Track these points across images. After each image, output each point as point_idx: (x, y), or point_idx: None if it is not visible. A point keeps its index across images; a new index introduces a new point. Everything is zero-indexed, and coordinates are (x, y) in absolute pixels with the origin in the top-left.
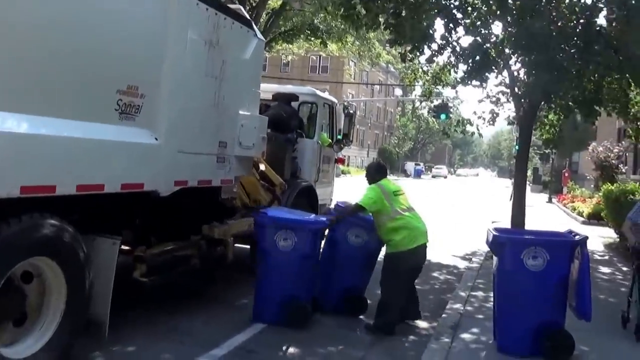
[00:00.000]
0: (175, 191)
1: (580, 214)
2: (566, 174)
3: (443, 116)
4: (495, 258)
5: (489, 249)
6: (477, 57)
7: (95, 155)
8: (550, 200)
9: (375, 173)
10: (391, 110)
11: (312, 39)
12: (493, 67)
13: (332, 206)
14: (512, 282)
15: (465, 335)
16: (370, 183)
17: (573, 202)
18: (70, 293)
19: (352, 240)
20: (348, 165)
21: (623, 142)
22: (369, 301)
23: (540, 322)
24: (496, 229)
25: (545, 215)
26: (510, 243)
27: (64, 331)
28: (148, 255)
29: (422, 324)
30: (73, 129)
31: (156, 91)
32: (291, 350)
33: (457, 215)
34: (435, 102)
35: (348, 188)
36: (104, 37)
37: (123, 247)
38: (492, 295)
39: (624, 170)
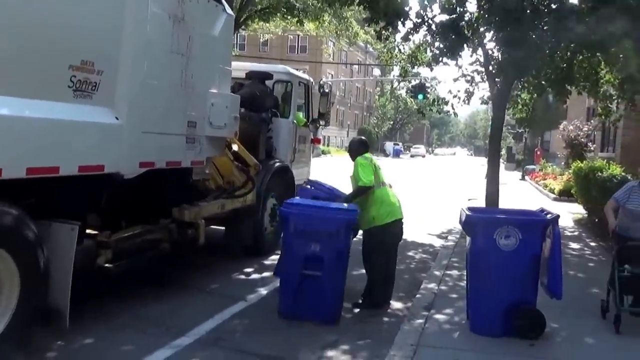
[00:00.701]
0: (144, 173)
1: (551, 190)
2: (538, 152)
3: (420, 96)
4: (468, 238)
5: None
6: (452, 35)
7: (48, 135)
8: (523, 178)
9: (359, 147)
10: (370, 91)
11: (289, 17)
12: (467, 45)
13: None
14: (485, 262)
15: (439, 316)
16: (354, 158)
17: (545, 179)
18: (24, 283)
19: None
20: (328, 145)
21: (592, 121)
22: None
23: (512, 302)
24: (469, 209)
25: (519, 192)
26: (482, 223)
27: (18, 323)
28: (112, 240)
29: (396, 304)
30: (20, 107)
31: (115, 67)
32: (261, 337)
33: (434, 194)
34: (413, 83)
35: (328, 168)
36: (52, 8)
37: (91, 231)
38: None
39: (592, 148)
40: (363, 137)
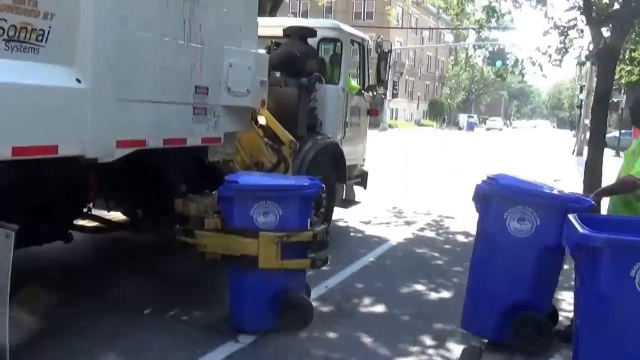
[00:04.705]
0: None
1: None
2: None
3: (499, 63)
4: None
5: None
6: None
7: None
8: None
9: None
10: (443, 60)
11: None
12: None
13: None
14: None
15: None
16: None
17: None
18: None
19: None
20: (396, 118)
21: None
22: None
23: None
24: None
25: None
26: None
27: None
28: None
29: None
30: None
31: (73, 10)
32: None
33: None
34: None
35: (394, 144)
36: None
37: None
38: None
39: None
40: None
